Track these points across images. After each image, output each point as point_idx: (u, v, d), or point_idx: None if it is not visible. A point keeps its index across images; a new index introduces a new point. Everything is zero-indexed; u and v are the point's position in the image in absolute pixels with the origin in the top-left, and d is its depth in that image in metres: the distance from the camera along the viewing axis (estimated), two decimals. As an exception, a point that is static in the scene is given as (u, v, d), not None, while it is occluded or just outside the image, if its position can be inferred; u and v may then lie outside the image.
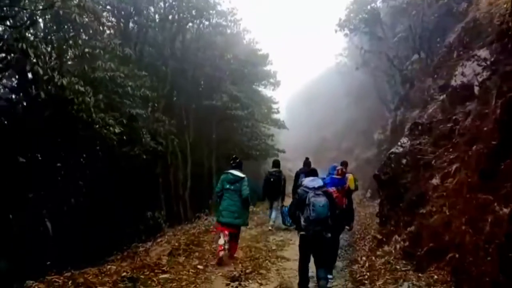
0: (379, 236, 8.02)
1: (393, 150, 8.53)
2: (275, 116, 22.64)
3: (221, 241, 6.56)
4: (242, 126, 17.93)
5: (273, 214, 10.14)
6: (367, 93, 28.66)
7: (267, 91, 23.20)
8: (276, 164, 10.19)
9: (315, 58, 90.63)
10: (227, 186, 6.63)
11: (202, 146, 18.12)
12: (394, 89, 18.00)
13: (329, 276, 5.81)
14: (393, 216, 7.87)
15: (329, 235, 5.13)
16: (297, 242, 5.68)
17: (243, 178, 6.71)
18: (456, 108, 7.82)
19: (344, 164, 7.81)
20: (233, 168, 6.93)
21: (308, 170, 7.13)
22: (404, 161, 8.08)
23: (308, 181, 5.28)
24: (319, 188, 5.12)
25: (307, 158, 10.63)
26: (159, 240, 8.76)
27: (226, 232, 6.60)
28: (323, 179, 5.75)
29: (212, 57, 16.83)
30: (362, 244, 8.82)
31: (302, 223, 5.05)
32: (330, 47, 74.87)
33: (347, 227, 6.91)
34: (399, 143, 8.53)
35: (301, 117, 45.75)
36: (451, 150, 6.94)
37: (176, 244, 8.05)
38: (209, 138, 18.74)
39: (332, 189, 5.69)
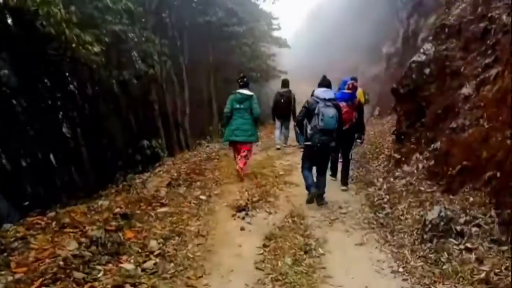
0: (396, 156, 7.27)
1: (414, 58, 7.40)
2: (276, 33, 20.76)
3: (238, 160, 6.74)
4: (241, 44, 16.20)
5: (281, 136, 9.94)
6: (373, 3, 26.37)
7: (266, 5, 21.14)
8: (285, 83, 9.80)
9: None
10: (237, 105, 6.61)
11: (199, 70, 16.88)
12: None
13: (343, 188, 6.37)
14: (413, 133, 7.04)
15: (334, 144, 5.23)
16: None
17: (251, 95, 6.72)
18: (492, 3, 6.57)
19: (354, 79, 7.31)
20: (241, 87, 6.83)
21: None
22: (427, 70, 7.01)
23: (320, 92, 5.29)
24: (329, 100, 5.18)
25: (324, 76, 10.22)
26: (157, 170, 8.14)
27: (243, 150, 6.70)
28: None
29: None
30: (376, 164, 8.12)
31: (309, 131, 5.14)
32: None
33: (358, 140, 6.75)
34: (421, 50, 7.38)
35: (305, 37, 43.10)
36: (487, 53, 5.86)
37: (176, 174, 7.44)
38: (206, 61, 17.37)
39: (342, 104, 5.67)
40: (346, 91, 6.15)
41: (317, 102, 5.12)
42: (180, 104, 15.31)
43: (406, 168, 6.58)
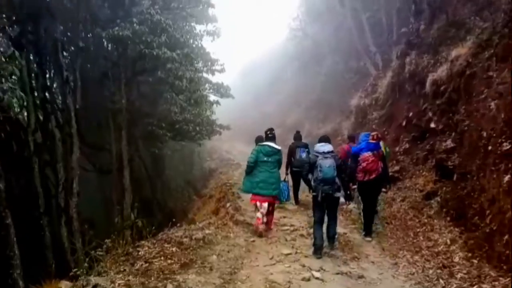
0: None
1: None
2: (216, 78, 15.76)
3: (259, 214, 6.31)
4: (173, 79, 10.55)
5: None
6: (322, 55, 23.55)
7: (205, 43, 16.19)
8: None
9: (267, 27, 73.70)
10: (264, 158, 6.34)
11: (101, 119, 10.76)
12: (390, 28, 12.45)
13: (367, 239, 6.30)
14: None
15: (338, 194, 5.43)
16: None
17: (279, 150, 6.52)
18: None
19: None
20: (269, 139, 6.53)
21: (301, 143, 8.40)
22: None
23: (318, 146, 5.64)
24: (328, 152, 5.50)
25: (298, 132, 9.11)
26: None
27: (265, 205, 6.28)
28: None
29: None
30: None
31: (312, 183, 5.45)
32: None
33: (384, 189, 6.77)
34: None
35: (238, 93, 39.25)
36: None
37: None
38: (116, 105, 11.46)
39: (368, 154, 6.14)
40: (371, 141, 6.30)
41: (317, 156, 5.44)
42: (62, 174, 8.86)
43: None
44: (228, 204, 8.65)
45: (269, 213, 6.43)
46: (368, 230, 6.40)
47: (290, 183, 8.49)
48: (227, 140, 28.28)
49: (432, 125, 8.39)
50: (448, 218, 6.17)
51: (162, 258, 4.56)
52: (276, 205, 7.01)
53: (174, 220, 7.52)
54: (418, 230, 6.23)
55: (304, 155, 7.98)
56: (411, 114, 9.65)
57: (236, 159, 22.36)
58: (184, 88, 11.14)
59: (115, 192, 11.96)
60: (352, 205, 8.39)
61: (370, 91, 12.58)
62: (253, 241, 5.86)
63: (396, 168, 9.43)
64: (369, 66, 13.27)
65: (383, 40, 13.05)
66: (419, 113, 9.22)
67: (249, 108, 36.13)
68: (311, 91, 24.62)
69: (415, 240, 5.79)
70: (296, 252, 5.45)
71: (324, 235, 5.47)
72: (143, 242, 5.18)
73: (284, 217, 7.60)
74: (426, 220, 6.54)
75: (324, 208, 5.45)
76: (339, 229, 6.31)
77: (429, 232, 5.96)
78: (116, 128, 11.53)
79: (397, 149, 9.91)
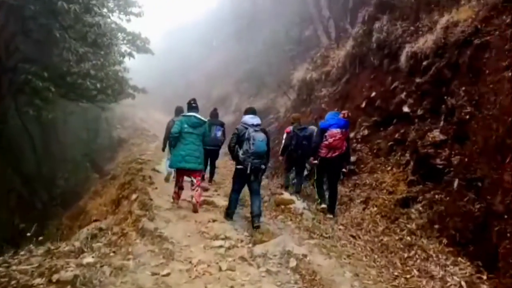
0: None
1: None
2: (132, 27, 12.39)
3: (176, 189, 5.93)
4: (70, 21, 7.14)
5: None
6: (261, 20, 21.12)
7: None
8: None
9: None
10: (190, 130, 5.87)
11: None
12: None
13: (329, 216, 6.14)
14: None
15: (264, 167, 5.37)
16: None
17: (206, 121, 6.18)
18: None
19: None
20: (192, 109, 6.04)
21: (218, 121, 7.92)
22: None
23: (248, 118, 5.43)
24: (257, 125, 5.37)
25: (215, 109, 8.42)
26: None
27: (189, 179, 5.92)
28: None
29: None
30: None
31: (241, 155, 5.21)
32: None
33: (343, 169, 6.42)
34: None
35: (161, 57, 35.10)
36: None
37: None
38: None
39: (336, 130, 6.02)
40: (342, 117, 6.14)
41: (246, 128, 5.26)
42: None
43: None
44: (134, 196, 6.10)
45: (196, 188, 5.90)
46: (331, 210, 6.24)
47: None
48: (143, 107, 24.85)
49: (406, 109, 6.73)
50: (445, 241, 4.48)
51: None
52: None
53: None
54: (404, 255, 4.44)
55: (219, 133, 7.77)
56: (374, 93, 7.95)
57: (152, 129, 19.35)
58: (84, 32, 7.98)
59: None
60: (299, 205, 6.52)
61: (320, 64, 10.67)
62: (168, 274, 3.50)
63: (352, 159, 7.71)
64: (321, 35, 11.32)
65: (338, 5, 11.15)
66: (385, 93, 7.54)
67: (173, 75, 32.53)
68: (244, 61, 22.27)
69: (408, 276, 3.95)
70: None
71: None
72: None
73: (214, 220, 5.33)
74: (409, 239, 4.80)
75: (249, 180, 5.31)
76: (293, 246, 4.32)
77: (424, 262, 4.19)
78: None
79: (352, 134, 8.18)
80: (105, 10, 9.44)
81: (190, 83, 28.81)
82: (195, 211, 5.66)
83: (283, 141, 7.53)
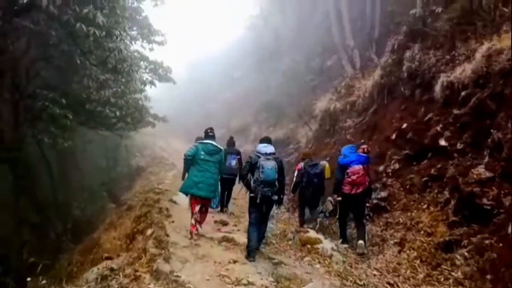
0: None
1: None
2: (154, 56, 12.46)
3: (193, 221, 5.79)
4: (90, 46, 7.04)
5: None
6: (282, 51, 21.18)
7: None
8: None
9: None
10: (207, 157, 5.91)
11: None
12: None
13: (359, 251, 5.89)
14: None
15: (276, 197, 5.25)
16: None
17: (222, 149, 6.19)
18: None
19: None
20: (209, 138, 6.12)
21: (233, 149, 8.01)
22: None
23: (261, 147, 5.44)
24: (270, 154, 5.32)
25: (231, 137, 8.52)
26: None
27: (198, 208, 5.85)
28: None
29: None
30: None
31: (252, 184, 5.25)
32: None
33: (367, 204, 6.49)
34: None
35: (181, 86, 35.65)
36: None
37: None
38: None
39: (359, 167, 5.98)
40: (362, 153, 6.17)
41: (259, 157, 5.26)
42: None
43: None
44: (149, 231, 5.72)
45: (202, 212, 6.07)
46: (361, 247, 5.89)
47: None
48: (163, 136, 24.96)
49: (443, 142, 6.23)
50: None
51: None
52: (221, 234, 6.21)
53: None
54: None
55: (233, 162, 7.81)
56: (405, 125, 7.47)
57: (171, 158, 19.23)
58: (104, 57, 7.95)
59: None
60: (327, 245, 5.98)
61: (345, 94, 10.33)
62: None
63: (383, 194, 7.19)
64: (346, 64, 11.07)
65: (363, 35, 10.94)
66: (418, 124, 7.07)
67: (193, 104, 32.82)
68: (264, 91, 22.19)
69: None
70: None
71: None
72: None
73: (235, 261, 4.85)
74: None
75: (261, 210, 5.28)
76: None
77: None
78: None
79: (381, 168, 7.68)
80: (128, 38, 9.49)
81: (209, 113, 28.91)
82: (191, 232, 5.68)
83: (294, 178, 7.38)
